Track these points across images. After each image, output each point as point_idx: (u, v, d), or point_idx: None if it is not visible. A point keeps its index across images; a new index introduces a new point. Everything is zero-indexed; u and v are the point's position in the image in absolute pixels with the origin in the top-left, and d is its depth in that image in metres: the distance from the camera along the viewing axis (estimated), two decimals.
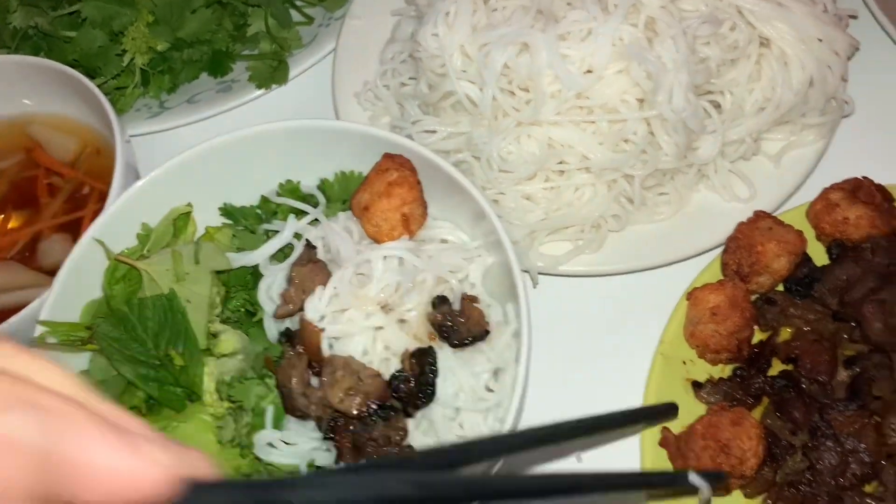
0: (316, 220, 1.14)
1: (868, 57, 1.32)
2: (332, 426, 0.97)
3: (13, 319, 1.12)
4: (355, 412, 0.94)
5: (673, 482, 0.99)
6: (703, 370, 1.16)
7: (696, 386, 1.14)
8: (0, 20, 1.45)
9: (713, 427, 1.05)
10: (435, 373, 0.96)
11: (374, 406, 0.94)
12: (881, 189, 1.19)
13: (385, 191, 1.07)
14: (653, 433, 1.12)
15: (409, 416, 0.98)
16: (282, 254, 1.14)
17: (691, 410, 1.13)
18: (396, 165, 1.09)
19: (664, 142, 1.17)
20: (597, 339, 1.24)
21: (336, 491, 0.48)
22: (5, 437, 0.36)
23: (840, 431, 1.06)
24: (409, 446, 0.97)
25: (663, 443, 1.11)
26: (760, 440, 1.04)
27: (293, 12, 1.54)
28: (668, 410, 1.09)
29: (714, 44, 1.18)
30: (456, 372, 0.99)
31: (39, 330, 1.07)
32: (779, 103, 1.22)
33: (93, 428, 0.39)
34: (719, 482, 0.96)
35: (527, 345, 0.98)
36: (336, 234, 1.07)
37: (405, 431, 0.97)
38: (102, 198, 1.32)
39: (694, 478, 0.88)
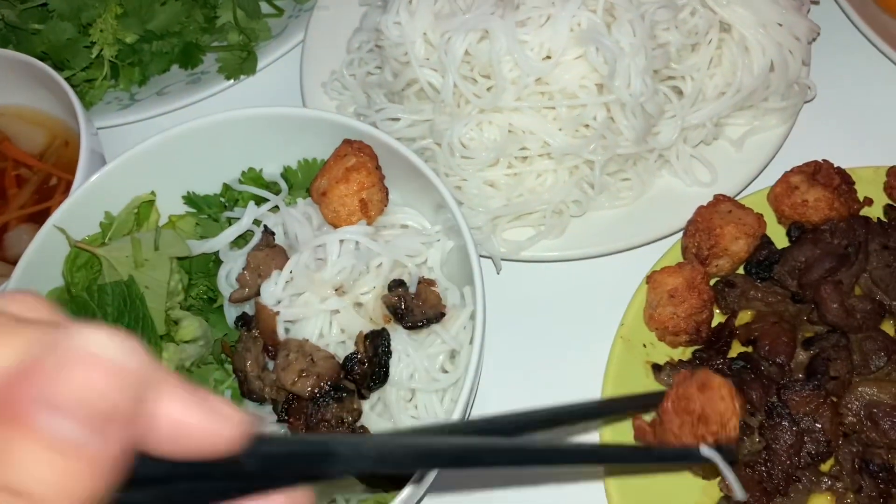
0: (276, 207, 1.15)
1: (830, 41, 1.33)
2: (286, 408, 0.97)
3: None
4: (307, 393, 0.95)
5: (686, 457, 0.97)
6: (664, 353, 1.17)
7: (656, 369, 1.15)
8: None
9: (683, 400, 1.02)
10: (388, 354, 0.97)
11: (326, 387, 0.95)
12: (840, 172, 1.19)
13: (343, 176, 1.08)
14: (614, 432, 1.10)
15: (364, 397, 0.99)
16: (243, 240, 1.14)
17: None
18: (354, 151, 1.10)
19: (623, 126, 1.18)
20: (559, 324, 1.25)
21: (379, 444, 0.50)
22: (111, 360, 0.37)
23: (796, 412, 1.07)
24: (363, 427, 0.98)
25: (639, 433, 1.08)
26: (733, 396, 1.00)
27: (263, 4, 1.55)
28: (656, 399, 1.04)
29: (674, 29, 1.19)
30: (410, 353, 0.99)
31: None
32: (739, 88, 1.23)
33: (171, 384, 0.40)
34: (730, 455, 0.93)
35: (481, 326, 0.98)
36: (294, 220, 1.08)
37: (359, 412, 0.97)
38: (70, 189, 1.33)
39: (706, 450, 0.88)
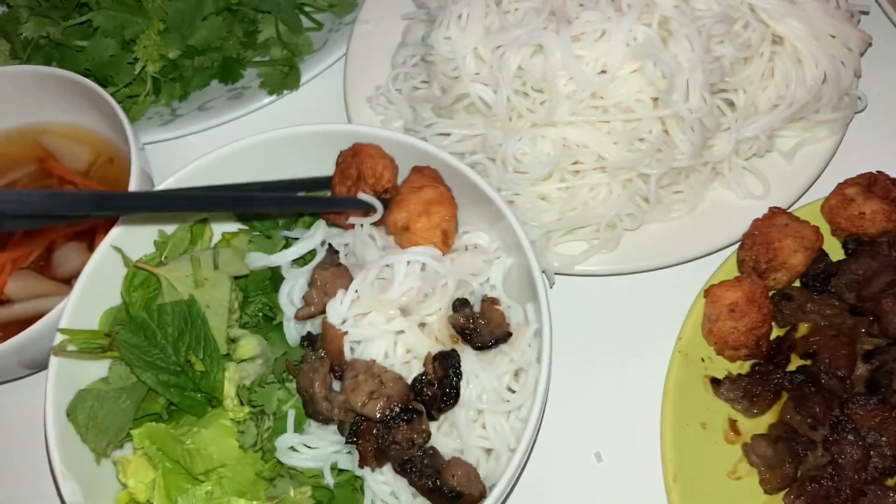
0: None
1: (879, 52, 1.33)
2: (355, 430, 0.97)
3: (33, 328, 1.12)
4: (378, 416, 0.94)
5: (349, 203, 1.12)
6: (722, 367, 1.16)
7: (715, 383, 1.14)
8: (11, 31, 1.45)
9: (342, 168, 1.16)
10: (459, 376, 0.96)
11: (396, 409, 0.94)
12: None
13: (424, 209, 1.07)
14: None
15: (433, 418, 0.98)
16: (302, 260, 1.14)
17: (710, 408, 1.14)
18: (429, 181, 1.09)
19: (680, 140, 1.17)
20: (614, 338, 1.24)
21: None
22: None
23: (861, 425, 1.06)
24: (433, 448, 0.97)
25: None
26: (382, 154, 1.14)
27: (303, 18, 1.54)
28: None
29: (727, 42, 1.19)
30: (479, 374, 0.99)
31: (59, 338, 1.07)
32: (793, 100, 1.22)
33: None
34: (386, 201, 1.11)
35: (548, 344, 0.98)
36: (359, 240, 1.08)
37: (428, 434, 0.97)
38: None
39: (363, 196, 1.09)
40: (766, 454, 1.09)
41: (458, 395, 0.96)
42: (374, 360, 0.98)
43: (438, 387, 0.96)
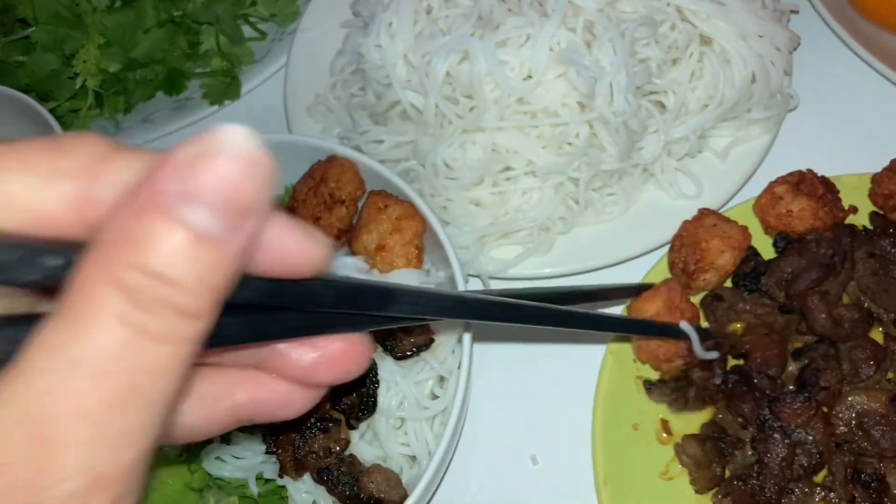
0: None
1: (811, 49, 1.33)
2: (274, 440, 0.97)
3: None
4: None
5: (665, 331, 1.08)
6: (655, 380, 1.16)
7: (648, 386, 1.15)
8: None
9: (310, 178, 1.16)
10: (376, 384, 0.97)
11: (311, 419, 0.95)
12: (824, 181, 1.19)
13: (395, 227, 1.07)
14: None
15: (353, 427, 0.99)
16: None
17: (641, 409, 1.14)
18: (392, 200, 1.10)
19: (607, 143, 1.18)
20: (549, 341, 1.25)
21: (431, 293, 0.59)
22: (250, 154, 0.38)
23: (788, 423, 1.07)
24: (352, 456, 0.98)
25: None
26: (355, 170, 1.15)
27: (246, 28, 1.55)
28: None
29: (654, 44, 1.19)
30: (399, 381, 0.99)
31: None
32: (721, 100, 1.23)
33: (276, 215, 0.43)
34: (707, 336, 1.09)
35: (468, 350, 0.98)
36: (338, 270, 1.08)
37: (346, 442, 0.97)
38: None
39: (685, 325, 1.04)
40: (695, 454, 1.10)
41: (375, 403, 0.96)
42: None
43: (356, 395, 0.96)
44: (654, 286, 1.13)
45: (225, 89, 1.46)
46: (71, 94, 1.45)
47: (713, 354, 1.08)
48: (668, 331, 1.07)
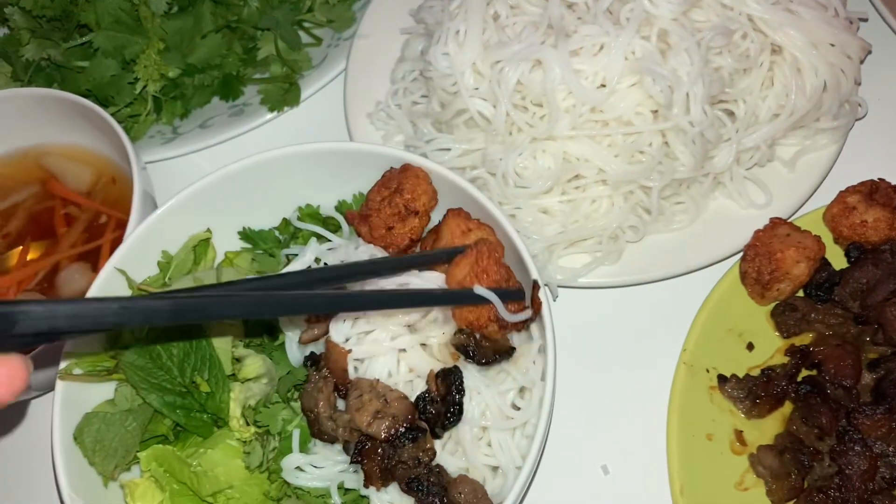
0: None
1: (878, 58, 1.32)
2: (360, 450, 0.97)
3: (38, 350, 1.12)
4: (383, 435, 0.94)
5: (468, 298, 1.01)
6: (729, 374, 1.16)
7: (721, 380, 1.14)
8: (13, 53, 1.46)
9: (385, 182, 1.14)
10: (462, 392, 0.96)
11: (401, 429, 0.94)
12: None
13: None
14: None
15: (437, 436, 0.98)
16: None
17: (715, 419, 1.14)
18: (475, 224, 1.09)
19: (681, 153, 1.18)
20: (618, 350, 1.24)
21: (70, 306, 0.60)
22: None
23: (867, 435, 1.06)
24: (439, 466, 0.97)
25: (350, 219, 1.17)
26: (428, 181, 1.13)
27: (302, 34, 1.55)
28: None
29: (726, 53, 1.19)
30: (482, 391, 0.99)
31: (65, 362, 1.07)
32: (793, 110, 1.22)
33: None
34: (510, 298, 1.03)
35: (553, 362, 0.98)
36: (359, 259, 1.08)
37: (433, 451, 0.97)
38: (120, 226, 1.33)
39: (480, 290, 0.99)
40: (772, 465, 1.09)
41: (461, 411, 0.96)
42: (378, 380, 0.98)
43: (441, 404, 0.96)
44: (465, 249, 1.06)
45: (284, 95, 1.46)
46: (131, 98, 1.45)
47: (521, 316, 1.01)
48: (466, 297, 1.01)
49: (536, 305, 1.02)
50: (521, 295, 1.05)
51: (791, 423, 1.13)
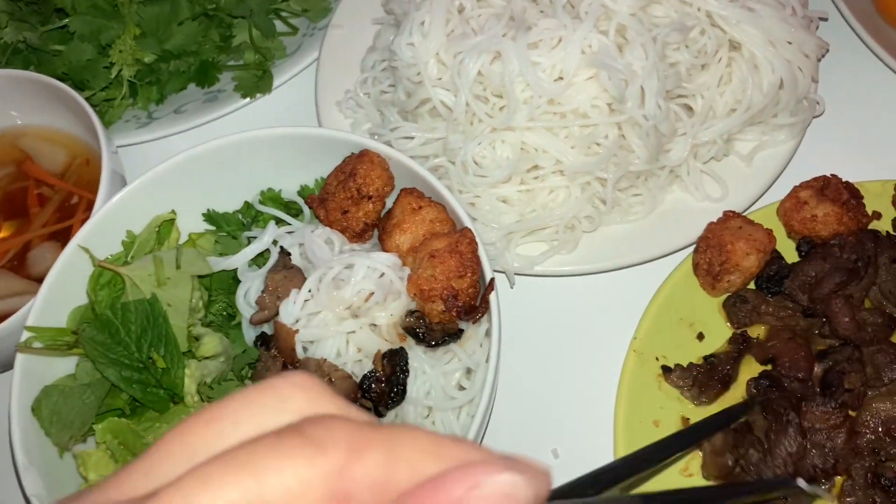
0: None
1: (838, 57, 1.35)
2: None
3: (2, 326, 1.15)
4: None
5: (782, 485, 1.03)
6: (674, 364, 1.18)
7: (666, 370, 1.17)
8: None
9: (341, 173, 1.16)
10: (406, 373, 0.99)
11: None
12: (848, 186, 1.21)
13: (429, 229, 1.10)
14: None
15: (381, 415, 1.01)
16: (262, 259, 1.17)
17: (663, 406, 1.16)
18: (426, 202, 1.12)
19: (636, 145, 1.20)
20: (572, 337, 1.26)
21: None
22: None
23: (811, 424, 1.08)
24: None
25: (310, 203, 1.18)
26: (385, 167, 1.15)
27: (278, 23, 1.57)
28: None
29: (684, 49, 1.21)
30: (427, 371, 1.01)
31: (26, 335, 1.10)
32: (749, 105, 1.24)
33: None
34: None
35: (497, 344, 1.00)
36: (314, 242, 1.10)
37: None
38: (91, 207, 1.35)
39: (801, 482, 0.96)
40: (715, 440, 1.11)
41: (404, 391, 0.98)
42: (325, 359, 1.01)
43: (386, 384, 0.99)
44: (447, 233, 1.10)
45: (257, 83, 1.49)
46: (106, 83, 1.47)
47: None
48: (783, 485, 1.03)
49: (485, 304, 1.05)
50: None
51: (752, 417, 1.14)
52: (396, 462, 0.37)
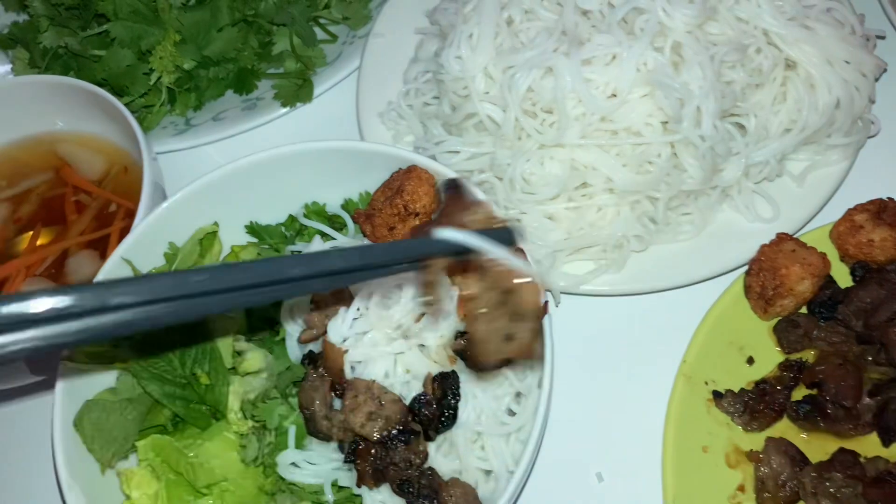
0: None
1: (894, 76, 1.31)
2: (353, 450, 0.98)
3: None
4: (376, 437, 0.95)
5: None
6: (725, 389, 1.16)
7: (717, 396, 1.14)
8: (31, 40, 1.47)
9: (388, 188, 1.13)
10: (457, 398, 0.97)
11: (394, 431, 0.95)
12: None
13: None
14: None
15: (430, 438, 0.99)
16: None
17: (711, 432, 1.13)
18: None
19: (689, 165, 1.17)
20: (618, 359, 1.24)
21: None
22: None
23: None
24: (431, 469, 0.98)
25: (356, 219, 1.15)
26: (432, 183, 1.11)
27: (317, 30, 1.55)
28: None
29: (739, 67, 1.18)
30: (478, 395, 0.99)
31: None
32: (804, 125, 1.22)
33: None
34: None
35: (549, 371, 0.98)
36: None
37: (425, 454, 0.97)
38: (129, 215, 1.34)
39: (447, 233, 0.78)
40: (779, 464, 1.08)
41: (455, 416, 0.96)
42: (374, 381, 0.99)
43: (437, 407, 0.97)
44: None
45: (297, 91, 1.47)
46: (145, 89, 1.46)
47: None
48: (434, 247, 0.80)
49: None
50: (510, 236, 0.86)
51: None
52: None
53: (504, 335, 0.86)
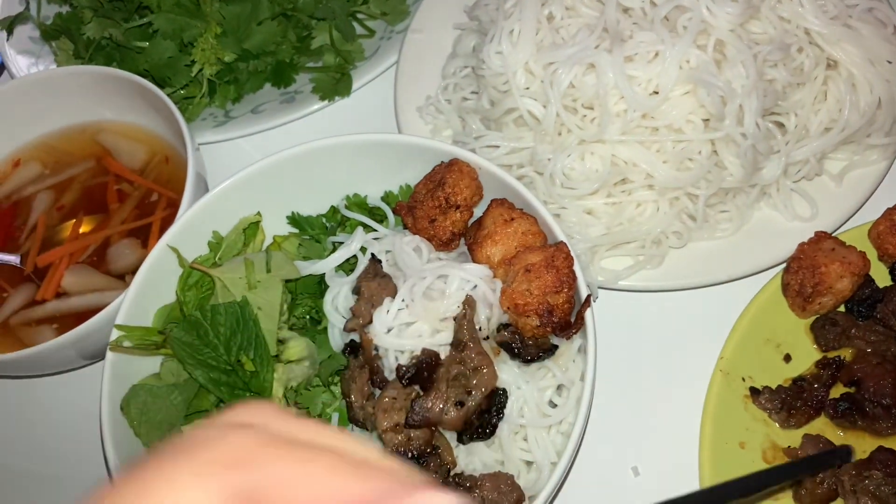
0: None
1: None
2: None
3: (91, 321, 1.16)
4: (392, 448, 0.96)
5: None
6: (761, 385, 1.16)
7: (754, 392, 1.15)
8: (75, 31, 1.50)
9: (430, 180, 1.16)
10: (501, 417, 0.98)
11: (412, 453, 0.96)
12: None
13: (522, 241, 1.08)
14: None
15: (463, 443, 1.00)
16: (348, 264, 1.16)
17: (749, 427, 1.14)
18: (518, 214, 1.10)
19: (730, 163, 1.18)
20: (655, 354, 1.25)
21: None
22: None
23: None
24: (458, 475, 0.98)
25: (398, 211, 1.19)
26: (474, 177, 1.14)
27: (355, 25, 1.56)
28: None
29: (781, 66, 1.19)
30: (521, 387, 1.00)
31: (115, 334, 1.10)
32: (845, 125, 1.22)
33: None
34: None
35: (593, 363, 0.99)
36: (403, 249, 1.09)
37: (454, 464, 0.98)
38: (170, 205, 1.36)
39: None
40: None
41: (493, 433, 0.97)
42: (418, 391, 1.00)
43: (477, 417, 0.97)
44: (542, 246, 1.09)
45: (335, 85, 1.48)
46: (186, 80, 1.47)
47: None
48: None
49: (580, 321, 1.03)
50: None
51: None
52: None
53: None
